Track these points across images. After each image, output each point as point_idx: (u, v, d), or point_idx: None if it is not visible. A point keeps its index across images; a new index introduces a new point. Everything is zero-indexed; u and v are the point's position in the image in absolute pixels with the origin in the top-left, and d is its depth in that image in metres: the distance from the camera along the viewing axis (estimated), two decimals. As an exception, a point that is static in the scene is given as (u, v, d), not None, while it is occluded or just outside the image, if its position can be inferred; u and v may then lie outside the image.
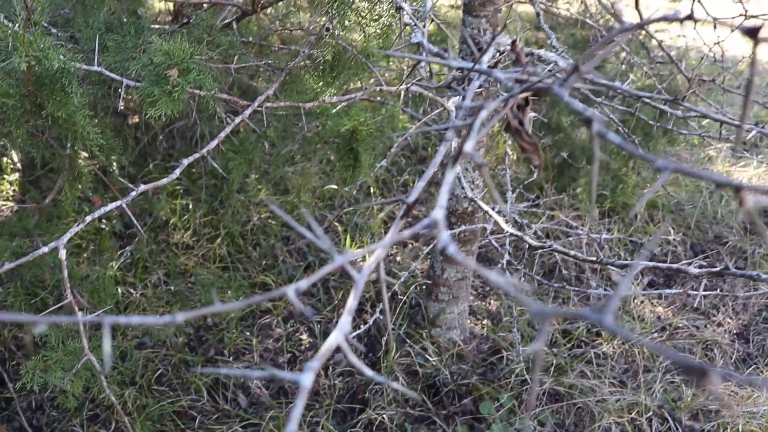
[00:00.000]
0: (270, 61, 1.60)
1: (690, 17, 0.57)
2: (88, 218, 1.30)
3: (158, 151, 2.90)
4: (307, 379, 0.55)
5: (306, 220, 3.05)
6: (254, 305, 2.68)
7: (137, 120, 2.83)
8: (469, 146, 0.69)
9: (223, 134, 1.41)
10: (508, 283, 0.46)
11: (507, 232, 1.26)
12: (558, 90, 0.71)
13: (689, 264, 0.92)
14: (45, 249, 1.28)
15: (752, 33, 0.60)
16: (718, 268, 0.86)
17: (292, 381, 0.57)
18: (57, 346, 1.63)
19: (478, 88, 0.92)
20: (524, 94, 0.79)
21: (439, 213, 0.63)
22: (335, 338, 0.62)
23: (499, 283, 0.46)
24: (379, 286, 0.78)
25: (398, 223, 0.82)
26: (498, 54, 0.99)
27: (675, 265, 0.91)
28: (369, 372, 0.64)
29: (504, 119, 0.84)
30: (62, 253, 1.28)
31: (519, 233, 1.25)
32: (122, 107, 1.53)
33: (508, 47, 0.85)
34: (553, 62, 0.85)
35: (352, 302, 0.67)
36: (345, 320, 0.64)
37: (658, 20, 0.61)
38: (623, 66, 3.50)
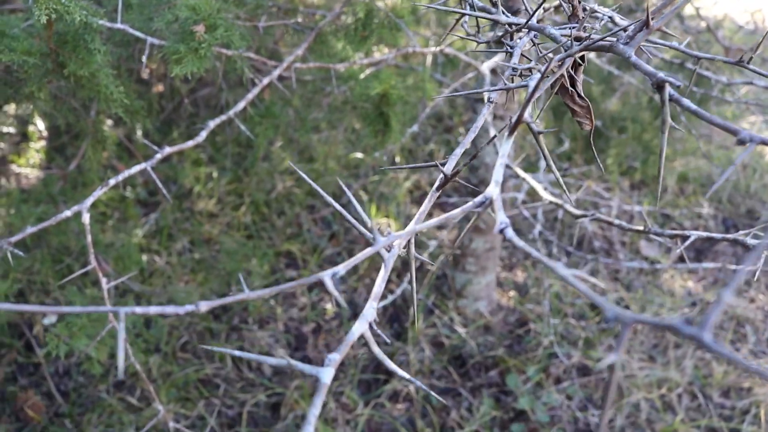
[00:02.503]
0: (299, 20, 1.55)
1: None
2: (112, 181, 1.27)
3: (182, 119, 2.87)
4: (327, 375, 0.50)
5: (332, 189, 3.01)
6: (279, 274, 2.66)
7: (161, 88, 2.79)
8: (527, 114, 0.64)
9: (250, 95, 1.36)
10: (586, 289, 0.42)
11: (545, 200, 1.21)
12: (624, 49, 0.65)
13: (746, 235, 0.86)
14: (68, 212, 1.25)
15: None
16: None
17: (310, 375, 0.53)
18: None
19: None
20: (580, 53, 0.74)
21: (494, 190, 0.58)
22: (359, 327, 0.57)
23: (576, 285, 0.41)
24: (409, 260, 0.73)
25: (433, 194, 0.77)
26: (543, 11, 0.93)
27: (731, 236, 0.85)
28: (392, 365, 0.59)
29: (556, 80, 0.78)
30: (86, 217, 1.25)
31: (559, 201, 1.19)
32: (147, 74, 1.49)
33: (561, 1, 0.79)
34: (607, 18, 0.79)
35: (378, 287, 0.62)
36: (370, 307, 0.59)
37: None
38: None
